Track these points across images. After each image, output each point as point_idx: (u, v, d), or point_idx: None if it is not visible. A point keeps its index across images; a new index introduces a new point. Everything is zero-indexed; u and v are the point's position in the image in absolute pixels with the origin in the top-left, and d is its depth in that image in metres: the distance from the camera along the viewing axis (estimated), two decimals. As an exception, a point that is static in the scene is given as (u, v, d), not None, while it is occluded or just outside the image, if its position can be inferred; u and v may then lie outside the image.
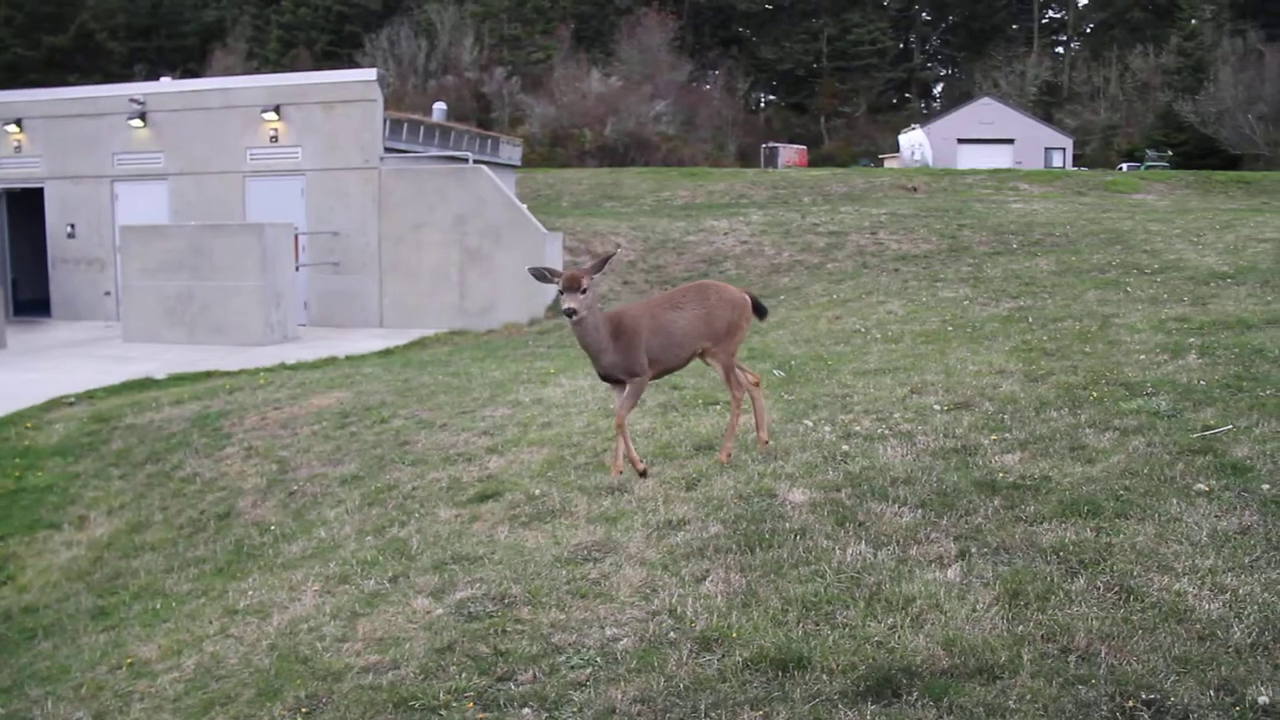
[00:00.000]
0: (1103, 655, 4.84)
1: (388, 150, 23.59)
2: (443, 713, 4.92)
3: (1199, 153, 59.39)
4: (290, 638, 6.26)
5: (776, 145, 59.89)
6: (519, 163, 33.70)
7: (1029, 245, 20.24)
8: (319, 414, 12.20)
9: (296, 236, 22.12)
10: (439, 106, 37.22)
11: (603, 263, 7.33)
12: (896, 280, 18.48)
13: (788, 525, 6.56)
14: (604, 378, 7.88)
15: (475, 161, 24.94)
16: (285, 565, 7.94)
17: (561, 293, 7.16)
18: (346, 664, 5.65)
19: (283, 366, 16.63)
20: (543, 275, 7.26)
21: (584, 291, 7.13)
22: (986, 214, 24.61)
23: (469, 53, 72.45)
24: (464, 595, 6.23)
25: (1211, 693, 4.53)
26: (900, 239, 22.28)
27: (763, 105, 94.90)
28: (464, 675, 5.25)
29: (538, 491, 8.00)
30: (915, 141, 55.92)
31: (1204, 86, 62.24)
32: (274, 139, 23.64)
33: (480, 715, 4.88)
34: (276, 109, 23.42)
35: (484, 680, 5.19)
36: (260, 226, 20.67)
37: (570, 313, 7.14)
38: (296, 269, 21.86)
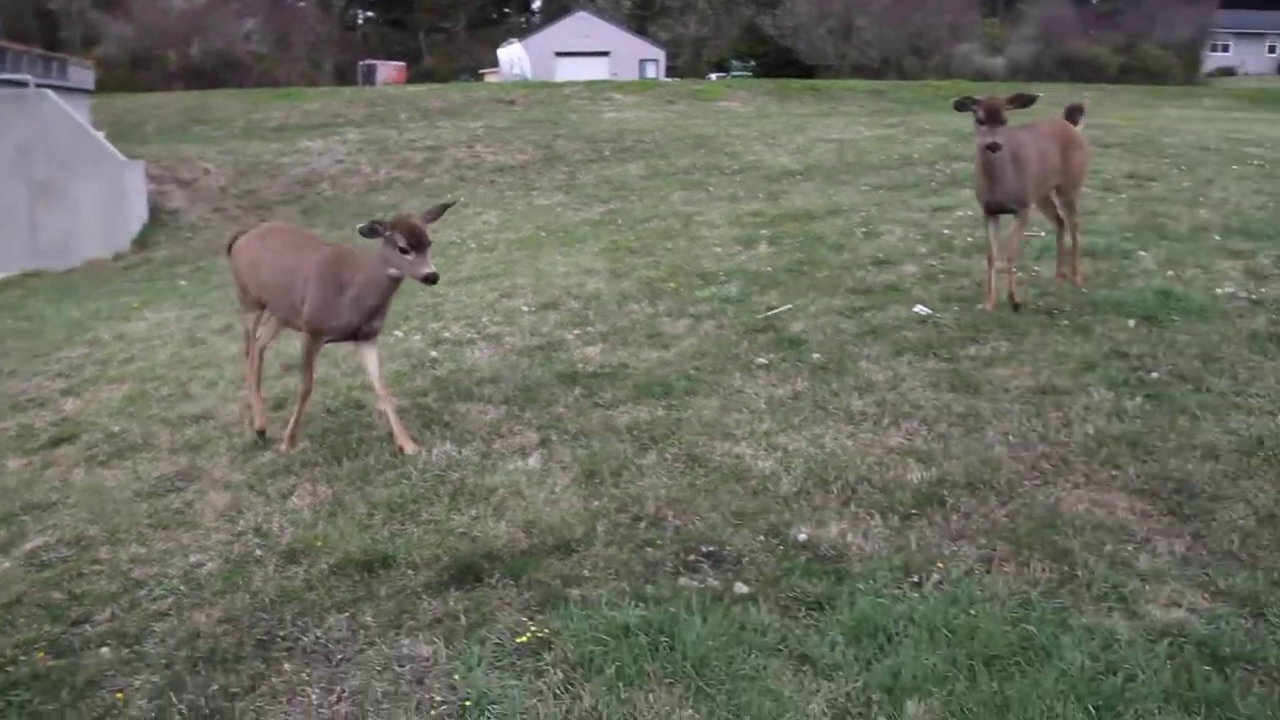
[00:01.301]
0: (670, 519, 5.19)
1: (-74, 74, 21.04)
2: (10, 669, 4.60)
3: (778, 63, 63.09)
4: None
5: (374, 62, 58.31)
6: (92, 87, 30.96)
7: (621, 152, 20.94)
8: None
9: None
10: (-10, 25, 33.52)
11: (441, 210, 6.23)
12: (493, 191, 18.66)
13: (375, 434, 6.56)
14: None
15: (39, 86, 22.70)
16: None
17: None
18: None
19: None
20: (374, 230, 5.91)
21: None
22: (581, 124, 25.21)
23: (26, -35, 65.59)
24: (35, 545, 5.83)
25: (761, 537, 4.99)
26: (497, 151, 22.43)
27: (360, 22, 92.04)
28: (34, 626, 4.93)
29: (117, 429, 7.57)
30: (514, 55, 56.05)
31: (782, 2, 66.09)
32: None
33: (51, 663, 4.60)
34: None
35: (57, 628, 4.89)
36: None
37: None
38: None
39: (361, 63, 59.17)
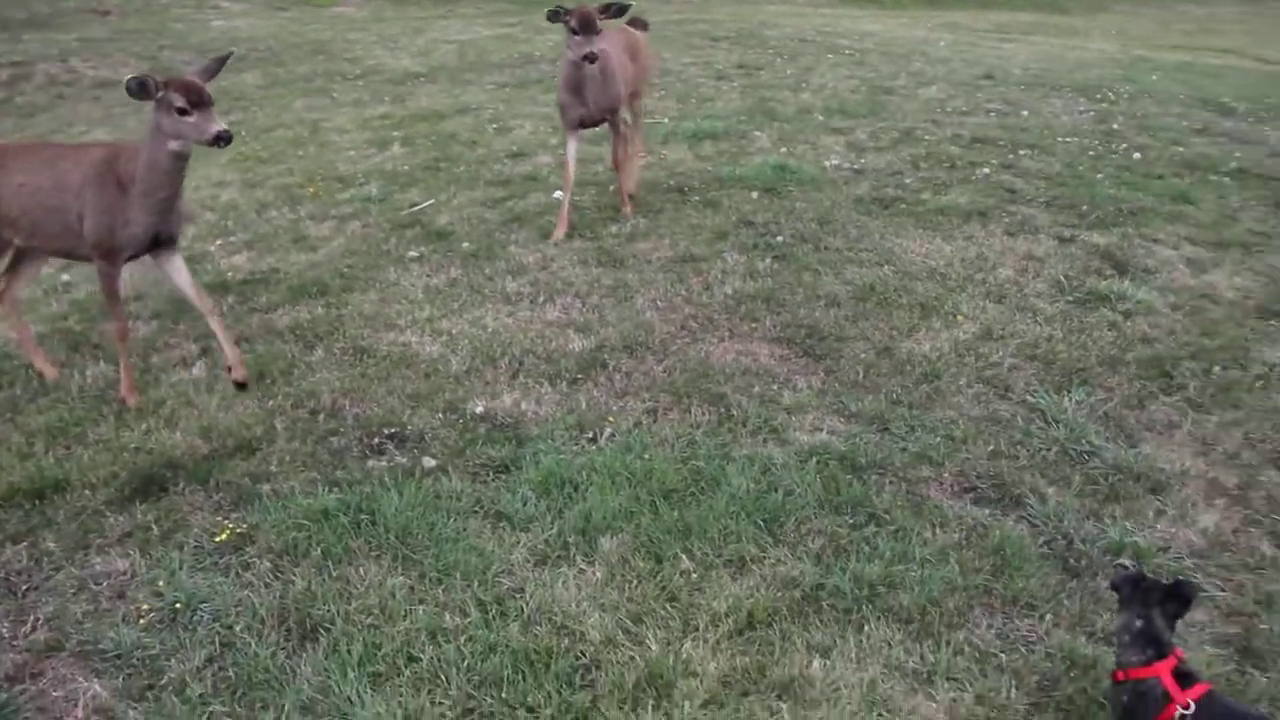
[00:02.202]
0: (347, 408, 5.26)
1: None
2: None
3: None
4: None
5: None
6: None
7: (235, 61, 19.93)
8: None
9: None
10: None
11: (218, 65, 5.41)
12: (99, 108, 17.33)
13: (16, 363, 6.16)
14: None
15: None
16: None
17: None
18: None
19: None
20: (144, 86, 5.00)
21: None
22: (188, 33, 23.64)
23: None
24: None
25: (440, 415, 5.16)
26: (97, 65, 20.71)
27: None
28: None
29: None
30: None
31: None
32: None
33: None
34: None
35: None
36: None
37: None
38: None
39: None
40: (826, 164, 9.39)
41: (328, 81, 16.31)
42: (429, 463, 4.73)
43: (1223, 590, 4.07)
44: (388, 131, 11.58)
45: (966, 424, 5.09)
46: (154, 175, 5.15)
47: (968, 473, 4.70)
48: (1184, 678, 3.10)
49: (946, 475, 4.69)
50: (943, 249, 7.28)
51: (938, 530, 4.29)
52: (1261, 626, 3.88)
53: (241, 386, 5.53)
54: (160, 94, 4.96)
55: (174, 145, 5.05)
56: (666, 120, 11.23)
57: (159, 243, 5.43)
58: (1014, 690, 3.54)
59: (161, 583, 4.00)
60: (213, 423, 5.17)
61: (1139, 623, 3.21)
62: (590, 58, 6.92)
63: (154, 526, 4.36)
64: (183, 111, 4.94)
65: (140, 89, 4.94)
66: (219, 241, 8.02)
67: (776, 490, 4.47)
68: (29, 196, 5.42)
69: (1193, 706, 3.02)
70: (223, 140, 5.01)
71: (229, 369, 5.55)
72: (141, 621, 3.84)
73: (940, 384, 5.45)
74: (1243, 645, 3.79)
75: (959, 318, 6.18)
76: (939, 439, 4.93)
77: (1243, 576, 4.15)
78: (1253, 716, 3.13)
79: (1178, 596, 3.24)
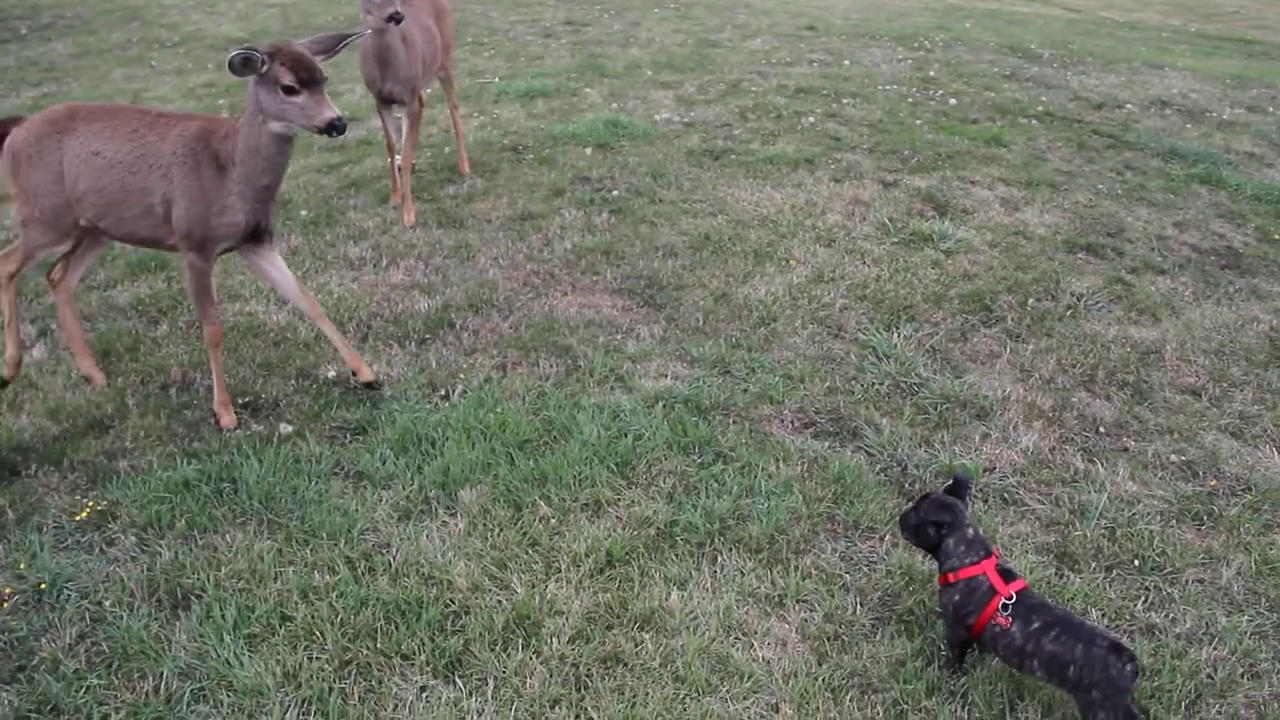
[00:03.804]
0: (198, 381, 5.19)
1: None
2: None
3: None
4: None
5: None
6: None
7: (40, 29, 19.01)
8: None
9: None
10: None
11: (336, 42, 4.63)
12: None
13: None
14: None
15: None
16: None
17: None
18: None
19: None
20: (248, 62, 4.27)
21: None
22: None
23: None
24: None
25: (293, 381, 5.15)
26: None
27: None
28: None
29: None
30: None
31: None
32: None
33: None
34: None
35: None
36: None
37: None
38: None
39: None
40: (657, 118, 9.56)
41: (145, 49, 15.75)
42: (285, 429, 4.73)
43: (1042, 503, 4.40)
44: (213, 100, 11.28)
45: (803, 363, 5.33)
46: (254, 159, 4.47)
47: (806, 409, 4.95)
48: (1005, 574, 3.41)
49: (787, 412, 4.92)
50: (773, 197, 7.53)
51: (781, 464, 4.51)
52: (1075, 533, 4.22)
53: (371, 387, 5.04)
54: (265, 68, 4.27)
55: (276, 127, 4.40)
56: (497, 80, 11.23)
57: (257, 235, 4.77)
58: (859, 607, 3.79)
59: (23, 565, 3.93)
60: (60, 404, 5.05)
61: (970, 531, 3.49)
62: (395, 18, 6.34)
63: (8, 511, 4.26)
64: (290, 90, 4.28)
65: (245, 65, 4.23)
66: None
67: (626, 435, 4.63)
68: (104, 171, 4.62)
69: (1015, 596, 3.33)
70: (335, 129, 4.33)
71: (354, 373, 5.06)
72: (5, 605, 3.78)
73: (777, 326, 5.69)
74: (1060, 551, 4.12)
75: (792, 262, 6.43)
76: (778, 378, 5.16)
77: (1059, 490, 4.49)
78: (1054, 607, 3.44)
79: (963, 485, 3.61)
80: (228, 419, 4.80)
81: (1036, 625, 3.26)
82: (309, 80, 4.27)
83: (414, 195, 7.54)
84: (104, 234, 4.93)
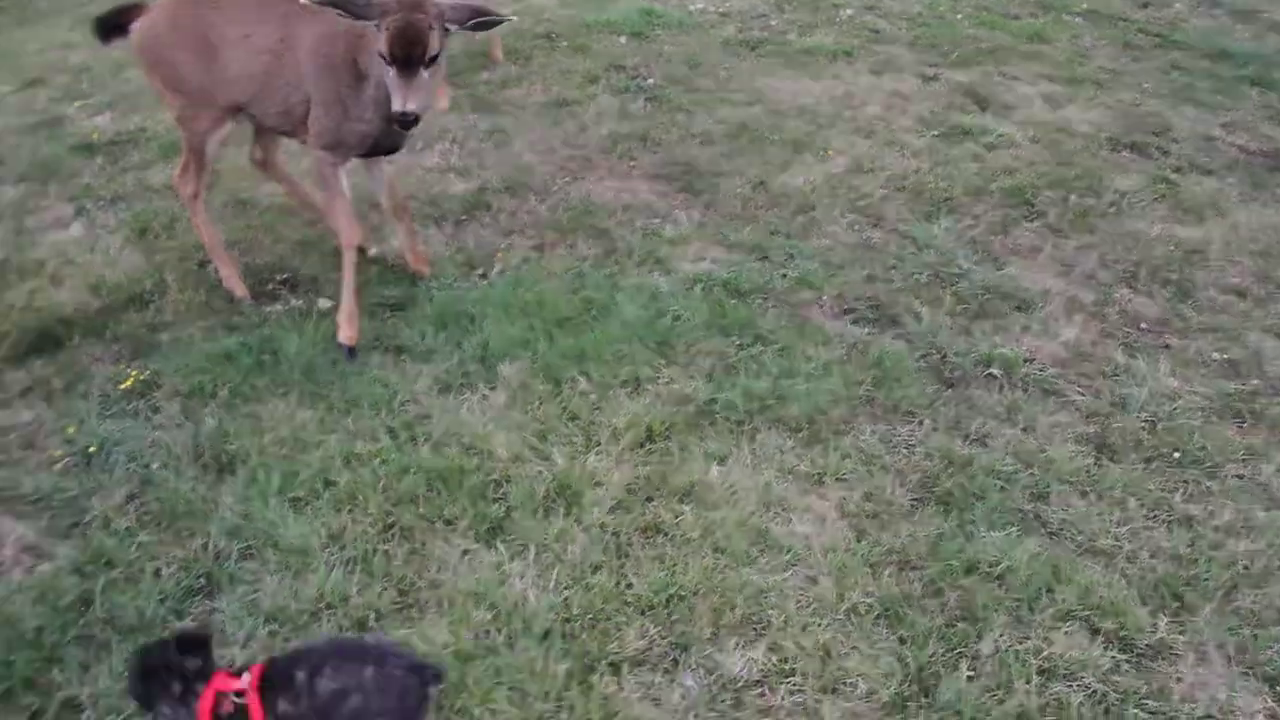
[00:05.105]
0: (237, 257, 5.17)
1: None
2: None
3: None
4: None
5: None
6: None
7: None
8: None
9: None
10: None
11: (480, 15, 3.93)
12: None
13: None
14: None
15: None
16: None
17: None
18: None
19: None
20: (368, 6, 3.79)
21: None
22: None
23: None
24: None
25: (330, 259, 5.12)
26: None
27: None
28: None
29: None
30: None
31: None
32: None
33: None
34: None
35: None
36: None
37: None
38: None
39: None
40: (692, 8, 9.36)
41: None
42: (324, 304, 4.72)
43: (1082, 395, 4.38)
44: None
45: (842, 251, 5.28)
46: (383, 88, 3.98)
47: (846, 295, 4.91)
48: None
49: (826, 298, 4.89)
50: (811, 88, 7.40)
51: (820, 348, 4.49)
52: (1115, 425, 4.20)
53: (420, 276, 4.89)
54: (376, 23, 3.77)
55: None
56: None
57: (390, 150, 4.56)
58: (898, 487, 3.80)
59: (71, 430, 3.98)
60: (100, 279, 5.05)
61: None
62: None
63: (55, 379, 4.31)
64: (383, 58, 3.81)
65: (364, 8, 3.77)
66: (77, 104, 7.67)
67: (665, 315, 4.60)
68: (252, 58, 4.29)
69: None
70: (401, 122, 3.86)
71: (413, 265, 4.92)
72: (56, 467, 3.85)
73: (815, 215, 5.63)
74: (1100, 441, 4.11)
75: (830, 153, 6.34)
76: (817, 265, 5.12)
77: (1100, 383, 4.46)
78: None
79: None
80: (348, 333, 4.41)
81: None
82: (402, 59, 3.75)
83: (448, 81, 7.44)
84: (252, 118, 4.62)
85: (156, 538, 3.53)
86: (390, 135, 4.26)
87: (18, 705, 3.06)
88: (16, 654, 3.17)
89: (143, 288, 4.97)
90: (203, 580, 3.41)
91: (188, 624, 3.23)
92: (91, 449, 3.89)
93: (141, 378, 4.28)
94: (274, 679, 2.63)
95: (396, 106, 3.80)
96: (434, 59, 3.80)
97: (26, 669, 3.13)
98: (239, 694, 2.62)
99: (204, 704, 2.61)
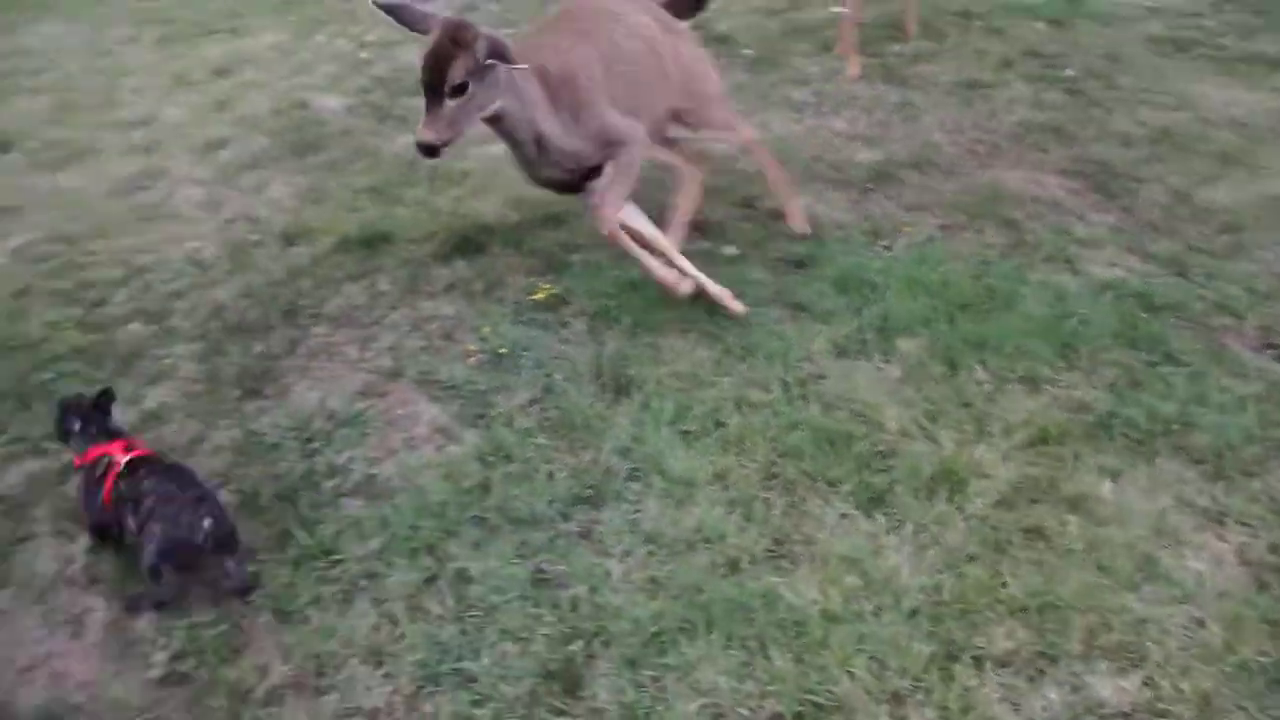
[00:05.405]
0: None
1: None
2: (47, 345, 4.64)
3: None
4: None
5: None
6: None
7: None
8: None
9: None
10: None
11: None
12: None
13: (330, 129, 6.55)
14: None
15: None
16: None
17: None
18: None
19: None
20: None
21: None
22: None
23: None
24: (19, 242, 5.63)
25: (736, 209, 5.27)
26: None
27: None
28: (55, 309, 4.92)
29: (56, 136, 7.14)
30: None
31: None
32: None
33: (88, 338, 4.67)
34: None
35: (77, 309, 4.91)
36: None
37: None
38: None
39: None
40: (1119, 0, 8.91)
41: None
42: (730, 250, 4.89)
43: None
44: None
45: (1270, 280, 4.92)
46: None
47: (1273, 328, 4.58)
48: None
49: (1248, 328, 4.57)
50: (1243, 98, 6.90)
51: (1236, 380, 4.21)
52: None
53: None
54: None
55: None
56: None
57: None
58: (1312, 544, 3.54)
59: (485, 330, 4.34)
60: (521, 196, 5.41)
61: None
62: None
63: (475, 281, 4.70)
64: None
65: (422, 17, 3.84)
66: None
67: (1071, 318, 4.46)
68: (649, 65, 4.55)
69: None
70: (417, 150, 3.90)
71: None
72: (470, 360, 4.20)
73: (1243, 236, 5.26)
74: None
75: (1264, 170, 5.91)
76: (1240, 291, 4.79)
77: None
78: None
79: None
80: (734, 306, 4.42)
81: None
82: (424, 84, 3.73)
83: (859, 50, 7.42)
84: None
85: (553, 443, 3.80)
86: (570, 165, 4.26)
87: (419, 565, 3.39)
88: (422, 521, 3.51)
89: (559, 210, 5.29)
90: (590, 491, 3.64)
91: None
92: (502, 350, 4.22)
93: (554, 292, 4.58)
94: (134, 464, 3.45)
95: (416, 136, 3.81)
96: (459, 88, 3.68)
97: (431, 536, 3.46)
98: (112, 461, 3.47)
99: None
